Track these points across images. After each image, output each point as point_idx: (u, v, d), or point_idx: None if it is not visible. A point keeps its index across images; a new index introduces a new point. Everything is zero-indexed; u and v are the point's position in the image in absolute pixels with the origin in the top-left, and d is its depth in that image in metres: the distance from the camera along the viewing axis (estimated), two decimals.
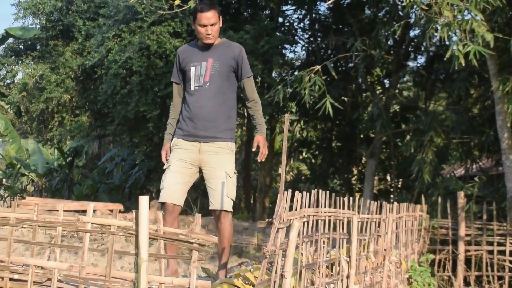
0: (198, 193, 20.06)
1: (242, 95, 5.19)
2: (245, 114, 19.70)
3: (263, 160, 4.84)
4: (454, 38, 7.89)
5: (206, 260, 3.16)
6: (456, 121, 12.24)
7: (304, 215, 3.80)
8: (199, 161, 4.92)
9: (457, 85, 12.13)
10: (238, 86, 5.17)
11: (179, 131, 5.02)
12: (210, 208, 4.87)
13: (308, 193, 3.94)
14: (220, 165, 4.87)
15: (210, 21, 4.87)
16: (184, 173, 4.90)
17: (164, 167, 4.99)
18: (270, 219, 3.42)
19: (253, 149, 4.87)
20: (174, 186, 4.84)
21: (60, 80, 20.89)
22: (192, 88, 4.98)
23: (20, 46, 24.10)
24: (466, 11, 7.41)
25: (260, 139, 4.90)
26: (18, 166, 24.68)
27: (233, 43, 5.24)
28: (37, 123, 24.41)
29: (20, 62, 23.83)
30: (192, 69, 5.01)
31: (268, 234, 12.57)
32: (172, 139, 5.11)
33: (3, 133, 22.47)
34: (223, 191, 4.79)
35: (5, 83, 25.27)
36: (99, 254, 9.92)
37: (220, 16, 5.00)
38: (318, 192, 4.15)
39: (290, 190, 3.41)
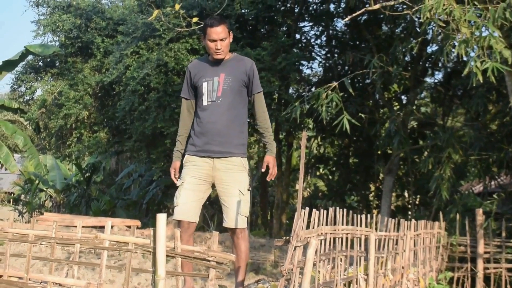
0: (215, 209, 20.06)
1: (251, 110, 5.18)
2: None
3: (272, 179, 4.97)
4: (472, 54, 7.87)
5: (223, 277, 3.15)
6: (474, 137, 12.16)
7: (322, 233, 3.79)
8: (212, 177, 4.92)
9: (475, 101, 12.07)
10: (248, 101, 5.14)
11: (191, 147, 5.01)
12: (225, 225, 4.88)
13: (325, 211, 3.93)
14: (233, 183, 4.87)
15: (219, 36, 4.88)
16: (197, 190, 4.92)
17: (178, 184, 4.98)
18: (287, 237, 3.42)
19: (263, 170, 4.91)
20: (189, 204, 4.86)
21: (78, 97, 21.02)
22: (205, 103, 4.97)
23: (40, 63, 24.27)
24: (484, 27, 7.39)
25: (270, 160, 4.94)
26: (37, 182, 24.84)
27: (244, 57, 5.21)
28: (56, 139, 24.54)
29: (39, 79, 24.00)
30: (204, 84, 5.00)
31: (285, 250, 12.51)
32: (183, 155, 5.12)
33: (22, 149, 22.62)
34: (237, 209, 4.80)
35: (25, 100, 25.45)
36: (115, 270, 9.93)
37: (230, 31, 5.02)
38: (335, 210, 4.14)
39: (307, 208, 3.40)
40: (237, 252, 4.79)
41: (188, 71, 5.18)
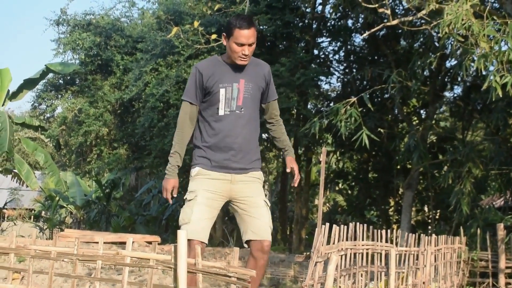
0: (234, 224, 20.06)
1: (264, 116, 4.70)
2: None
3: (296, 185, 4.41)
4: (491, 69, 7.85)
5: None
6: (494, 151, 12.09)
7: (342, 248, 3.79)
8: (230, 192, 4.35)
9: (495, 116, 12.01)
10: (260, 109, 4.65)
11: (205, 161, 4.37)
12: (252, 238, 4.27)
13: (345, 226, 3.92)
14: (257, 194, 4.37)
15: (249, 41, 4.26)
16: (211, 207, 4.30)
17: (189, 198, 4.32)
18: (308, 253, 3.42)
19: (288, 170, 4.46)
20: (203, 222, 4.23)
21: (98, 114, 21.18)
22: (221, 112, 4.33)
23: (60, 81, 24.51)
24: (503, 42, 7.38)
25: (294, 161, 4.53)
26: (57, 198, 25.00)
27: (260, 60, 4.61)
28: (76, 156, 24.72)
29: (59, 96, 24.22)
30: (222, 91, 4.34)
31: (305, 266, 12.49)
32: (193, 168, 4.45)
33: (43, 166, 22.81)
34: (267, 220, 4.33)
35: (45, 117, 25.69)
36: (136, 286, 9.96)
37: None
38: (355, 225, 4.13)
39: (327, 224, 3.41)
40: (258, 265, 4.20)
41: (198, 72, 4.40)
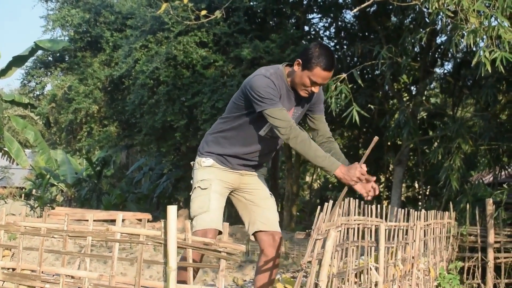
0: (226, 204, 20.14)
1: (316, 139, 4.26)
2: None
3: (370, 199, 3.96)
4: (481, 44, 7.85)
5: (233, 269, 3.17)
6: (484, 127, 12.12)
7: (340, 224, 3.81)
8: (239, 183, 4.22)
9: (485, 91, 12.01)
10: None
11: (223, 160, 4.17)
12: (262, 229, 4.14)
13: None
14: (263, 186, 4.27)
15: (325, 82, 3.93)
16: (224, 195, 4.16)
17: (202, 187, 4.09)
18: (308, 231, 3.41)
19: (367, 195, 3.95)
20: (219, 211, 4.04)
21: (88, 91, 21.13)
22: (262, 133, 4.04)
23: (49, 58, 24.41)
24: (493, 17, 7.37)
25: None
26: (48, 176, 24.97)
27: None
28: (66, 134, 24.68)
29: (49, 73, 24.15)
30: None
31: (296, 242, 12.56)
32: (206, 158, 4.20)
33: (33, 144, 22.76)
34: (275, 211, 4.25)
35: (35, 95, 25.62)
36: (127, 263, 9.99)
37: None
38: (349, 201, 4.14)
39: (331, 202, 3.41)
40: (271, 258, 4.06)
41: (276, 86, 3.90)
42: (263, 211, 4.17)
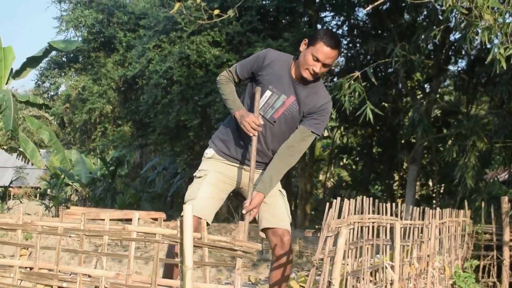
0: (239, 200, 20.14)
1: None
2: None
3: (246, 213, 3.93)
4: (496, 41, 7.80)
5: (248, 267, 3.18)
6: (498, 125, 12.06)
7: (351, 222, 3.81)
8: (241, 178, 4.20)
9: (499, 89, 11.94)
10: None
11: (223, 148, 4.19)
12: (267, 226, 4.09)
13: (353, 200, 3.93)
14: None
15: (326, 60, 3.91)
16: (219, 188, 4.13)
17: (197, 176, 4.15)
18: (318, 227, 3.43)
19: (243, 211, 3.98)
20: (209, 201, 4.03)
21: (102, 91, 21.22)
22: (255, 114, 3.98)
23: (63, 59, 24.52)
24: (507, 14, 7.33)
25: (259, 198, 3.96)
26: (62, 176, 25.09)
27: (324, 91, 4.19)
28: (80, 134, 24.81)
29: (63, 74, 24.26)
30: (268, 93, 4.04)
31: (310, 241, 12.56)
32: (209, 149, 4.26)
33: (48, 144, 22.83)
34: (285, 208, 4.19)
35: (49, 95, 25.73)
36: (142, 262, 10.03)
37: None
38: (362, 199, 4.14)
39: (339, 198, 3.42)
40: (283, 255, 4.01)
41: (266, 57, 4.07)
42: (269, 208, 4.11)
